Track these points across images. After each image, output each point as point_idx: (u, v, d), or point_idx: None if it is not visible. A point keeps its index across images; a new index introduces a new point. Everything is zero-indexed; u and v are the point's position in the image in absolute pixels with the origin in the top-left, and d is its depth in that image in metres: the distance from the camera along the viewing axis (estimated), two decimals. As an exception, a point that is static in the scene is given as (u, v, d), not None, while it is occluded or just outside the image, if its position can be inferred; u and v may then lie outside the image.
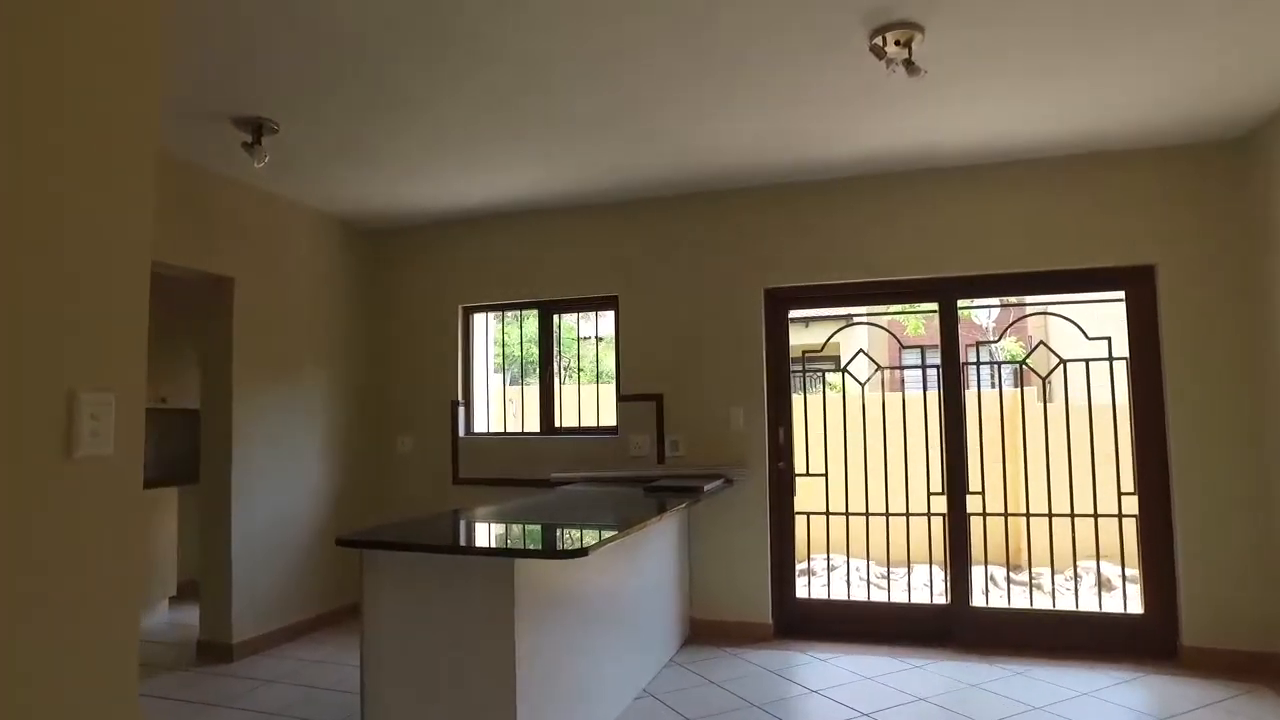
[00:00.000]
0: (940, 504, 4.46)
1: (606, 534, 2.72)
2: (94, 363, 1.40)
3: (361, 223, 5.36)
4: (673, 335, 4.83)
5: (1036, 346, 4.40)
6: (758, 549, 4.58)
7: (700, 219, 4.82)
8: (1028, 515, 4.41)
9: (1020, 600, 4.65)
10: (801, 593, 4.69)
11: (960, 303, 4.50)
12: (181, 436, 5.88)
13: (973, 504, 4.37)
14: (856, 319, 5.44)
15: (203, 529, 4.36)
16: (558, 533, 2.91)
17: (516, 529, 3.00)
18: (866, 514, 4.70)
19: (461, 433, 5.29)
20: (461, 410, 5.31)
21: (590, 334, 6.61)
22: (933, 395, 4.47)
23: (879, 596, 4.77)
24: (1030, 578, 4.50)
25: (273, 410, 4.60)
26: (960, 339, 4.47)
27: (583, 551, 2.39)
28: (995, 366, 6.12)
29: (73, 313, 1.36)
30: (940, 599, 4.49)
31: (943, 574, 4.46)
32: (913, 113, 3.57)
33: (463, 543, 2.55)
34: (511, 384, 7.59)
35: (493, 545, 2.53)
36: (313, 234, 4.98)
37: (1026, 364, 4.45)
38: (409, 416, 5.41)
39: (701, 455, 4.72)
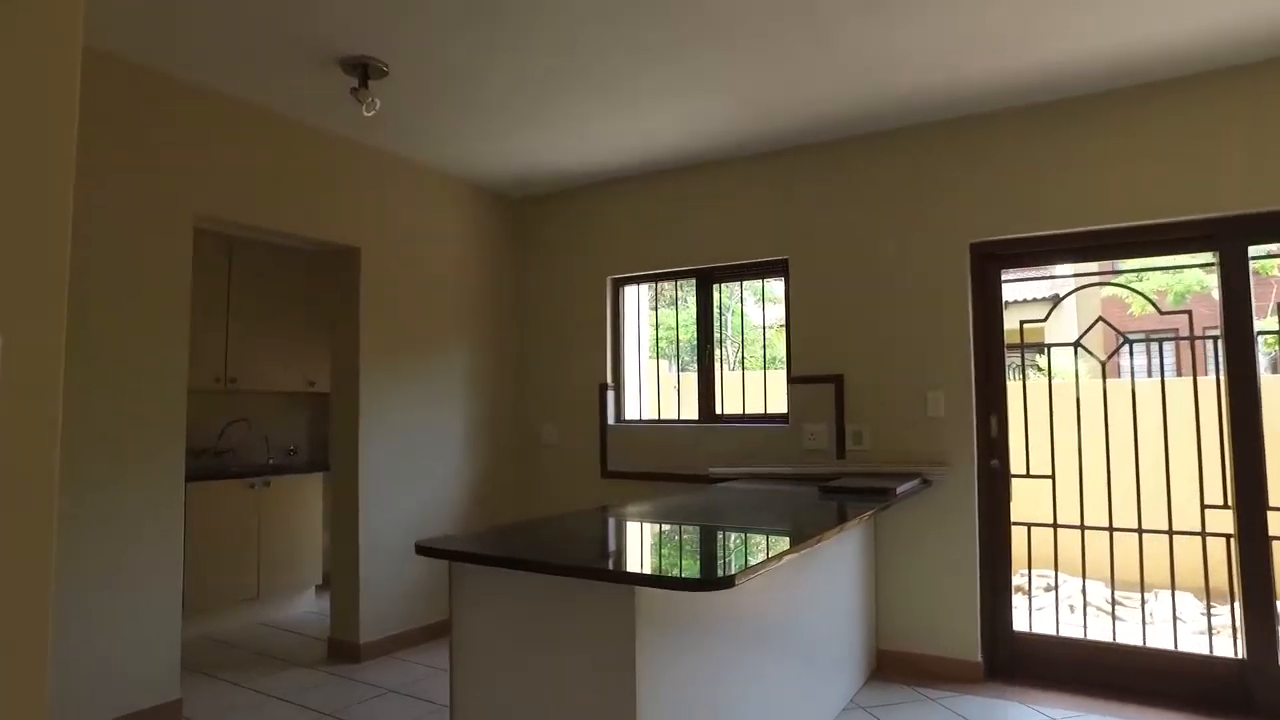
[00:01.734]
0: (1221, 520, 3.37)
1: (775, 544, 2.03)
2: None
3: (496, 187, 4.90)
4: (855, 303, 3.99)
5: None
6: (964, 568, 3.67)
7: (885, 161, 3.94)
8: (1362, 542, 3.19)
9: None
10: (1020, 624, 3.72)
11: (1253, 251, 3.35)
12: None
13: (1274, 523, 3.24)
14: (1071, 289, 4.35)
15: (333, 520, 4.06)
16: (715, 541, 2.23)
17: (649, 541, 2.34)
18: (1110, 529, 3.65)
19: (611, 420, 4.72)
20: (611, 394, 4.74)
21: (760, 322, 5.88)
22: (1205, 382, 3.38)
23: (1125, 633, 3.68)
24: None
25: (405, 393, 4.23)
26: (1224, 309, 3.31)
27: (727, 582, 1.69)
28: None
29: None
30: (1221, 643, 3.38)
31: (1229, 613, 3.35)
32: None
33: (569, 561, 1.91)
34: (680, 370, 6.92)
35: (603, 566, 1.88)
36: (444, 200, 4.57)
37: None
38: (553, 401, 4.92)
39: (891, 449, 3.86)
